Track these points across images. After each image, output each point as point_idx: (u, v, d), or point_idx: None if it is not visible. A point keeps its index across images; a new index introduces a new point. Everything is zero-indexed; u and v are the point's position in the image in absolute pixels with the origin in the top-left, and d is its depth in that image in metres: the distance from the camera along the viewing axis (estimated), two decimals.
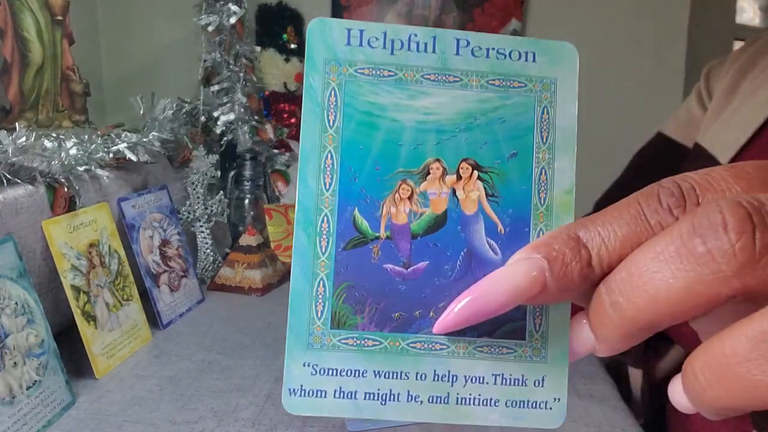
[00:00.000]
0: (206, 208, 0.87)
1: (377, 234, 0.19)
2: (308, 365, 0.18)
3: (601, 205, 0.76)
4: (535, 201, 0.19)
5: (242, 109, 1.01)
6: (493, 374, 0.18)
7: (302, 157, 0.18)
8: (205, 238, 0.87)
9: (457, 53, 0.19)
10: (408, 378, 0.18)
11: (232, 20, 0.98)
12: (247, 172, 1.02)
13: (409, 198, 0.19)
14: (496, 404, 0.18)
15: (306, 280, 0.18)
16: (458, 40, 0.19)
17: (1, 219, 0.52)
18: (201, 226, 0.86)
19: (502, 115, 0.19)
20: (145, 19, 1.11)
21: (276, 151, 1.10)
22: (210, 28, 0.97)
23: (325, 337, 0.18)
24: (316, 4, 1.32)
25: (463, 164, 0.19)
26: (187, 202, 0.86)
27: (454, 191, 0.19)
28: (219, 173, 0.93)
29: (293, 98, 1.25)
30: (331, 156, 0.18)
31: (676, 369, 0.67)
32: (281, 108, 1.23)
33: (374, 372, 0.18)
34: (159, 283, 0.72)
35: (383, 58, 0.19)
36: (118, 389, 0.56)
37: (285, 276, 0.89)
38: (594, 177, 0.87)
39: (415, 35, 0.19)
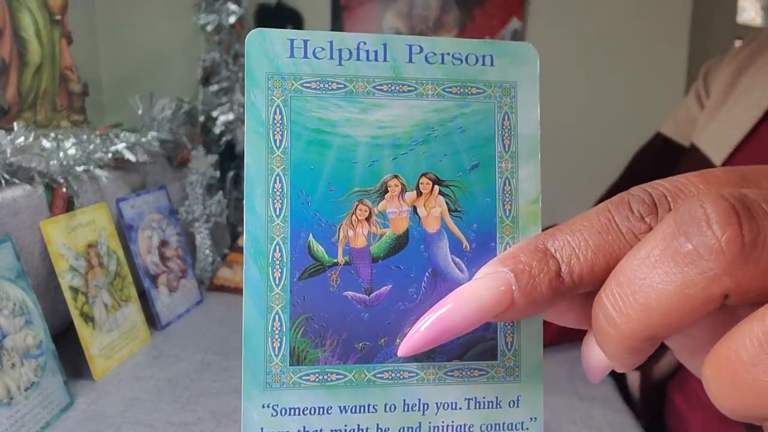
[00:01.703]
0: (205, 209, 0.87)
1: (335, 260, 0.17)
2: (268, 406, 0.17)
3: None
4: (500, 213, 0.18)
5: (241, 109, 1.01)
6: (465, 398, 0.18)
7: (248, 181, 0.17)
8: (204, 238, 0.87)
9: (410, 60, 0.18)
10: (376, 411, 0.17)
11: (231, 20, 0.98)
12: None
13: (367, 219, 0.18)
14: (471, 429, 0.18)
15: (260, 315, 0.17)
16: (410, 47, 0.18)
17: (0, 219, 0.52)
18: (200, 227, 0.86)
19: (461, 125, 0.18)
20: (143, 18, 1.11)
21: None
22: (209, 28, 0.97)
23: (284, 374, 0.17)
24: (315, 4, 1.32)
25: (423, 179, 0.18)
26: (186, 203, 0.86)
27: (414, 209, 0.18)
28: (218, 173, 0.92)
29: None
30: (280, 179, 0.17)
31: (673, 371, 0.67)
32: None
33: (340, 408, 0.17)
34: (158, 284, 0.72)
35: (331, 70, 0.17)
36: (117, 390, 0.55)
37: None
38: (593, 177, 0.86)
39: (364, 43, 0.18)
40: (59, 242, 0.57)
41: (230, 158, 1.02)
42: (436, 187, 0.18)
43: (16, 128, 0.55)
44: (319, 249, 0.17)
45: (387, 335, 0.18)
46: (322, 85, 0.17)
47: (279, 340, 0.17)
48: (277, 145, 0.17)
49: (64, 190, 0.60)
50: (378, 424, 0.17)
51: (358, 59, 0.18)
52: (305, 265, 0.17)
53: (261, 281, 0.17)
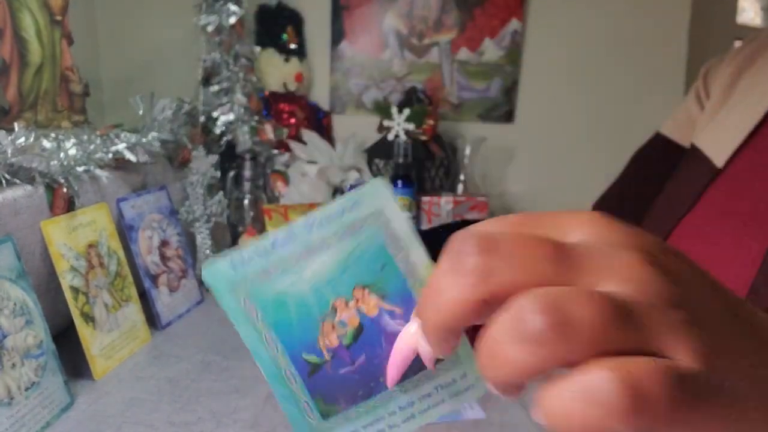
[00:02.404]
0: (206, 209, 0.87)
1: (324, 359, 0.27)
2: None
3: (599, 205, 0.76)
4: (411, 282, 0.26)
5: (242, 110, 1.01)
6: (434, 387, 0.27)
7: (252, 351, 0.26)
8: (204, 238, 0.87)
9: (310, 232, 0.26)
10: (384, 418, 0.28)
11: (232, 20, 0.98)
12: (247, 173, 1.02)
13: (333, 328, 0.27)
14: (444, 401, 0.27)
15: (294, 405, 0.27)
16: (308, 225, 0.26)
17: (0, 219, 0.52)
18: (200, 227, 0.86)
19: (364, 247, 0.26)
20: (144, 19, 1.11)
21: (275, 151, 1.10)
22: (209, 28, 0.97)
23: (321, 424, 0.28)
24: (316, 4, 1.32)
25: (356, 289, 0.26)
26: (187, 203, 0.86)
27: (359, 308, 0.27)
28: (218, 173, 0.92)
29: (293, 98, 1.25)
30: (271, 337, 0.26)
31: None
32: (281, 108, 1.23)
33: (362, 426, 0.28)
34: (158, 284, 0.72)
35: (267, 263, 0.26)
36: (117, 390, 0.56)
37: None
38: (593, 177, 0.86)
39: (279, 239, 0.26)
40: (60, 242, 0.57)
41: (231, 158, 1.03)
42: (366, 289, 0.26)
43: (16, 128, 0.55)
44: (312, 358, 0.27)
45: (373, 380, 0.27)
46: (266, 275, 0.26)
47: (311, 410, 0.27)
48: (259, 321, 0.26)
49: (65, 190, 0.60)
50: (388, 424, 0.28)
51: (281, 248, 0.26)
52: (308, 369, 0.27)
53: (286, 390, 0.27)
